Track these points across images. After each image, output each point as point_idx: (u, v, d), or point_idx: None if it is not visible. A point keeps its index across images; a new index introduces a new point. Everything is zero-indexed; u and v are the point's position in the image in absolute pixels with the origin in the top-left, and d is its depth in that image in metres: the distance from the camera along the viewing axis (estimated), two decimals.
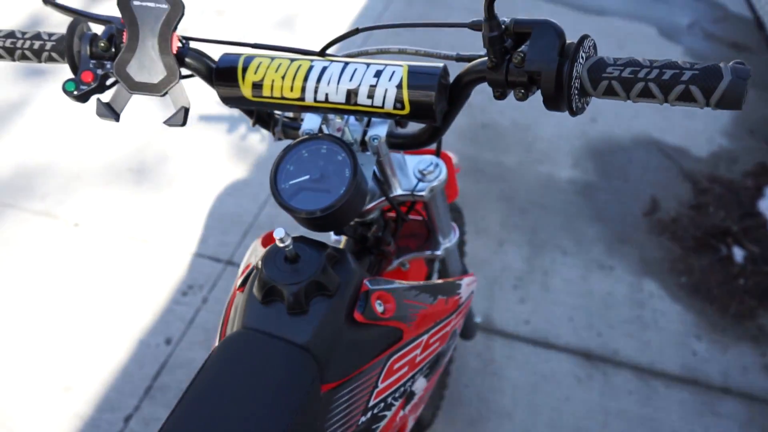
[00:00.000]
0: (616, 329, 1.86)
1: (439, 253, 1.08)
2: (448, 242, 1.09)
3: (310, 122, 0.82)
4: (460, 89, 0.72)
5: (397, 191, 0.89)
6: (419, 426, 1.51)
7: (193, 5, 3.29)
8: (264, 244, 0.89)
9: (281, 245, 0.69)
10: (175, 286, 1.91)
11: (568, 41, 0.63)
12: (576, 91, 0.62)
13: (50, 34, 0.80)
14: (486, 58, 0.66)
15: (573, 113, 0.63)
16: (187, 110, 0.72)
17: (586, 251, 2.07)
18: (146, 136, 2.43)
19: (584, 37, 0.62)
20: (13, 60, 0.80)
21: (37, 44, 0.79)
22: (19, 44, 0.79)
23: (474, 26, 0.66)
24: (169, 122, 0.72)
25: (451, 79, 0.73)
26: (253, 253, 0.87)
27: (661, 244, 2.11)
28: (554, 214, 2.20)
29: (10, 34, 0.80)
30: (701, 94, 0.57)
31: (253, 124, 0.88)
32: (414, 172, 0.91)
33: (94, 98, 0.77)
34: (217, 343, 0.73)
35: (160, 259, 2.00)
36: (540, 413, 1.67)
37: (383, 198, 0.88)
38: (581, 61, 0.61)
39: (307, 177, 0.74)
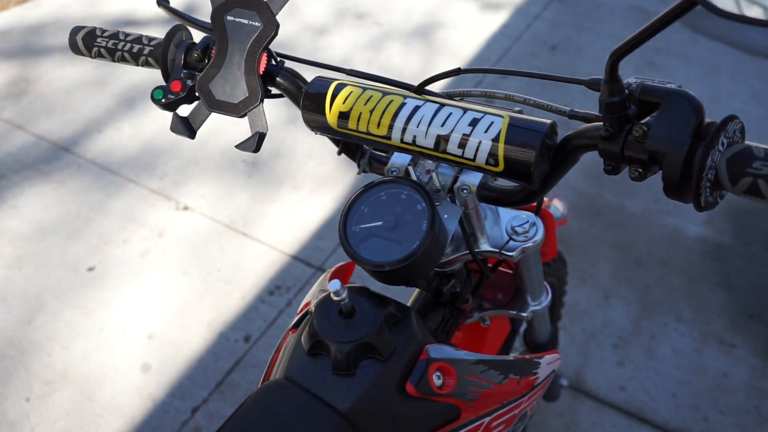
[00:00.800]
0: (727, 417, 1.63)
1: (525, 314, 0.97)
2: (537, 305, 0.97)
3: (399, 159, 0.75)
4: (565, 153, 0.62)
5: (484, 247, 0.80)
6: None
7: (334, 6, 3.34)
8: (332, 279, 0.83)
9: (336, 299, 0.63)
10: (264, 284, 1.92)
11: (707, 120, 0.51)
12: (708, 183, 0.50)
13: (150, 39, 0.79)
14: (602, 123, 0.55)
15: (700, 208, 0.51)
16: (262, 136, 0.68)
17: (706, 321, 1.85)
18: None
19: (730, 119, 0.50)
20: (113, 61, 0.80)
21: (136, 48, 0.78)
22: (120, 46, 0.78)
23: (591, 85, 0.56)
24: (242, 147, 0.68)
25: (559, 138, 0.63)
26: (319, 289, 0.81)
27: None
28: (674, 273, 1.98)
29: (114, 35, 0.80)
30: None
31: (339, 153, 0.82)
32: (506, 228, 0.81)
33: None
34: (260, 384, 0.68)
35: (255, 253, 2.02)
36: None
37: (467, 252, 0.80)
38: (720, 148, 0.49)
39: (380, 223, 0.67)
